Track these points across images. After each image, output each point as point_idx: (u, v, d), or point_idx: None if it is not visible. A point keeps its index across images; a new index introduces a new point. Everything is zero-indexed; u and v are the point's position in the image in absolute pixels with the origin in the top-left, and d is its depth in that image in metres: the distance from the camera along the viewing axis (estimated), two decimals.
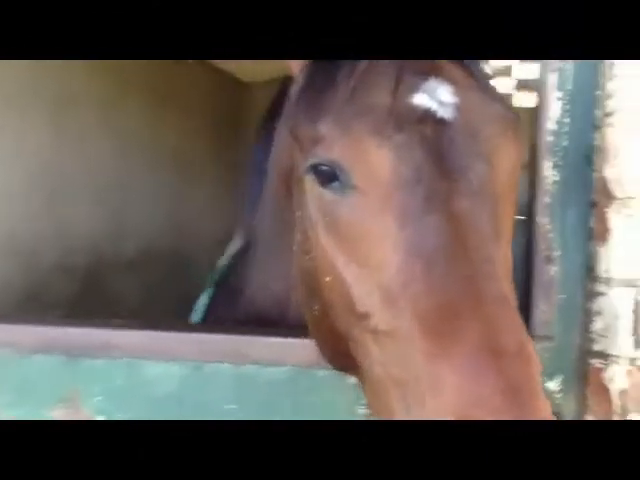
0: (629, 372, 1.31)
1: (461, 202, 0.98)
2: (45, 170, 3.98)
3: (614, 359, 1.32)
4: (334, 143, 1.05)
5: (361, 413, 1.45)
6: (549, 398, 1.38)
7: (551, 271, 1.39)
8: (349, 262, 1.06)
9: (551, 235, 1.38)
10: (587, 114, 1.35)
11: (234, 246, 2.17)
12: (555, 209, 1.38)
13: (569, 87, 1.35)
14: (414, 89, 1.05)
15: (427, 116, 1.03)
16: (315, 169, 1.07)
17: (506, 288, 0.96)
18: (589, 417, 1.35)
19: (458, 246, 0.95)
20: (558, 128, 1.36)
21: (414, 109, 1.03)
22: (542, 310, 1.39)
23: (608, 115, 1.29)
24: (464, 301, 0.91)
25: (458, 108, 1.05)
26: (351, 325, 1.06)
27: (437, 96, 1.05)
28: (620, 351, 1.31)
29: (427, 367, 0.90)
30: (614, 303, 1.31)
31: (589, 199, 1.35)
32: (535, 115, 1.44)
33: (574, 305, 1.38)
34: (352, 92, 1.07)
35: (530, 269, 1.41)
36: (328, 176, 1.06)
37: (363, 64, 1.09)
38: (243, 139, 5.34)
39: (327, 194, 1.07)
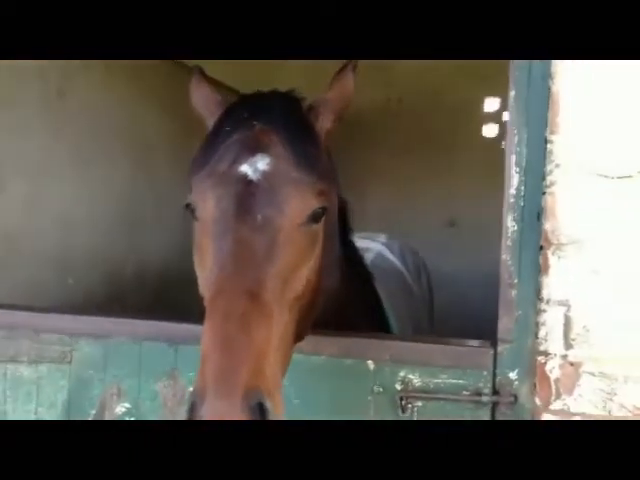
0: (561, 365, 1.85)
1: (245, 233, 1.62)
2: (123, 203, 4.83)
3: (552, 356, 1.87)
4: (193, 192, 1.77)
5: (375, 391, 2.03)
6: (509, 385, 1.93)
7: (512, 294, 1.95)
8: (198, 263, 1.76)
9: (512, 268, 1.95)
10: (537, 183, 1.91)
11: None
12: (515, 250, 1.94)
13: (523, 164, 1.92)
14: (241, 161, 1.72)
15: (242, 179, 1.69)
16: (187, 207, 1.78)
17: (259, 285, 1.56)
18: (536, 399, 1.90)
19: (236, 257, 1.60)
20: (516, 193, 1.93)
21: (235, 174, 1.70)
22: (505, 322, 1.95)
23: (549, 186, 1.85)
24: (224, 290, 1.55)
25: (266, 174, 1.69)
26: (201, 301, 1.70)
27: (254, 166, 1.71)
28: (556, 350, 1.86)
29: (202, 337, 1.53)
30: (552, 317, 1.87)
31: (538, 243, 1.91)
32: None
33: (527, 319, 1.93)
34: (212, 160, 1.76)
35: (497, 292, 1.97)
36: (192, 211, 1.76)
37: (229, 139, 1.77)
38: None
39: (194, 222, 1.77)
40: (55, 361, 2.33)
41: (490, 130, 7.62)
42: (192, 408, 1.43)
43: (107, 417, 2.28)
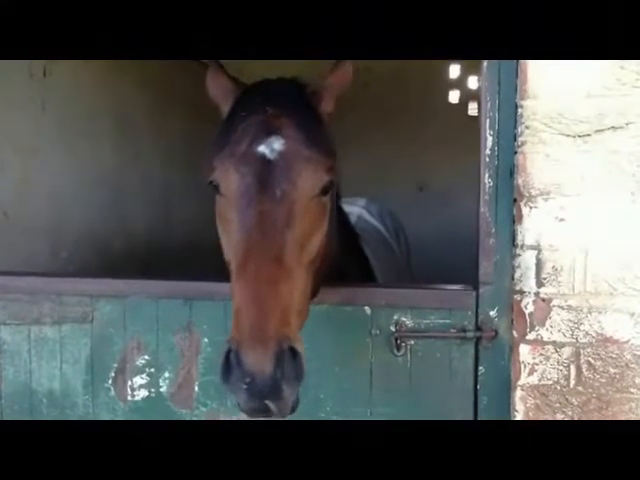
0: (534, 302, 2.14)
1: (266, 204, 1.83)
2: (109, 178, 5.00)
3: (526, 294, 2.15)
4: (216, 171, 1.96)
5: (373, 333, 2.30)
6: (490, 321, 2.21)
7: (490, 242, 2.22)
8: (223, 232, 1.97)
9: (489, 219, 2.22)
10: (509, 144, 2.17)
11: None
12: (491, 203, 2.21)
13: (496, 127, 2.18)
14: (258, 142, 1.92)
15: (260, 158, 1.89)
16: (211, 183, 1.98)
17: (281, 250, 1.78)
18: (514, 332, 2.18)
19: (260, 226, 1.81)
20: (491, 153, 2.19)
21: (255, 154, 1.91)
22: (485, 266, 2.23)
23: (520, 146, 2.12)
24: (251, 255, 1.77)
25: (281, 154, 1.90)
26: (227, 264, 1.93)
27: (270, 147, 1.91)
28: (529, 289, 2.15)
29: (233, 289, 1.78)
30: (525, 260, 2.15)
31: (511, 196, 2.18)
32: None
33: (504, 262, 2.21)
34: (231, 141, 1.96)
35: (477, 241, 2.25)
36: (215, 187, 1.97)
37: (245, 122, 1.97)
38: None
39: (217, 197, 1.98)
40: (77, 321, 2.55)
41: (455, 96, 7.90)
42: (228, 355, 1.65)
43: (128, 369, 2.52)
